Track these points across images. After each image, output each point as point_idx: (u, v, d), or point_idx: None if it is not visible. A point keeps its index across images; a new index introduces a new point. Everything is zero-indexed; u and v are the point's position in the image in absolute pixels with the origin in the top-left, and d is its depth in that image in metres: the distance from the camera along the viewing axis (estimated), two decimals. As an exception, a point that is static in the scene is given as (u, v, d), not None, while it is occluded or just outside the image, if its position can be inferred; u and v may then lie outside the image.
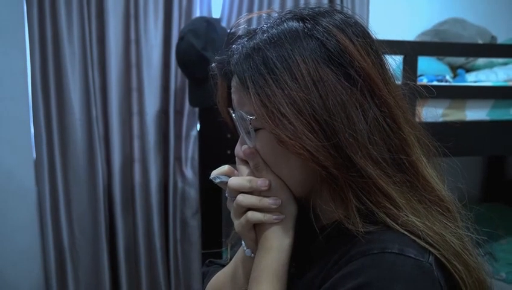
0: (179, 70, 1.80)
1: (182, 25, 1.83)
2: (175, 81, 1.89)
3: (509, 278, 1.89)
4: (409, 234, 0.47)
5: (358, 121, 0.49)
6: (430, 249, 0.46)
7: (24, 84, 1.78)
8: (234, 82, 0.55)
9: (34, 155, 1.82)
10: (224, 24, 1.88)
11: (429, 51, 1.75)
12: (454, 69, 2.04)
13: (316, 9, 0.54)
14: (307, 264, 0.56)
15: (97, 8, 1.78)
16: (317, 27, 0.51)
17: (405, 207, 0.49)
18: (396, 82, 0.55)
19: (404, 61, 1.53)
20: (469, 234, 0.52)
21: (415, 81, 1.54)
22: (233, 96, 0.56)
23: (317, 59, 0.50)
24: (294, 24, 0.52)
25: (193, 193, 1.94)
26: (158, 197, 1.92)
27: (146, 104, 1.86)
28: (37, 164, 1.81)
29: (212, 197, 1.58)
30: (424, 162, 0.53)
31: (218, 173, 0.60)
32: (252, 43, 0.53)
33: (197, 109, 1.92)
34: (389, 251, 0.45)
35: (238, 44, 0.55)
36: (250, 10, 1.94)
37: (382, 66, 0.53)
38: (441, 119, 1.59)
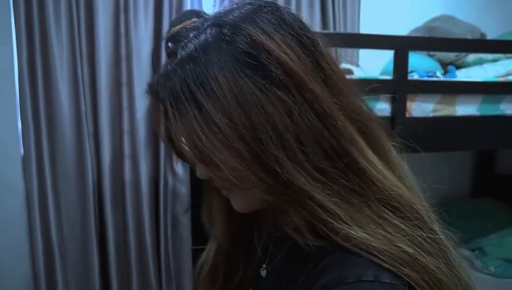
0: (170, 65, 1.78)
1: (172, 18, 1.81)
2: (165, 76, 1.87)
3: (498, 272, 1.91)
4: (353, 248, 0.44)
5: (286, 128, 0.44)
6: (375, 260, 0.43)
7: (11, 78, 1.74)
8: None
9: (22, 151, 1.78)
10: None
11: (420, 46, 1.76)
12: (444, 65, 2.06)
13: (236, 11, 0.48)
14: (276, 269, 0.55)
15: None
16: (234, 30, 0.46)
17: (346, 217, 0.44)
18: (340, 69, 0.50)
19: (395, 56, 1.54)
20: (434, 235, 0.47)
21: (406, 73, 1.55)
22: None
23: (233, 67, 0.44)
24: (212, 31, 0.47)
25: (184, 190, 1.93)
26: (149, 194, 1.90)
27: (136, 100, 1.83)
28: (25, 160, 1.77)
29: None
30: (375, 158, 0.48)
31: None
32: (175, 60, 0.47)
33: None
34: (365, 279, 0.43)
35: (167, 63, 0.49)
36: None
37: (314, 57, 0.47)
38: (431, 115, 1.60)
